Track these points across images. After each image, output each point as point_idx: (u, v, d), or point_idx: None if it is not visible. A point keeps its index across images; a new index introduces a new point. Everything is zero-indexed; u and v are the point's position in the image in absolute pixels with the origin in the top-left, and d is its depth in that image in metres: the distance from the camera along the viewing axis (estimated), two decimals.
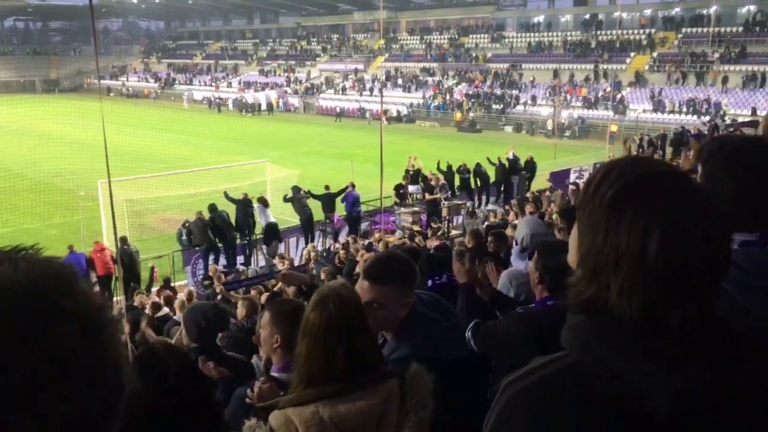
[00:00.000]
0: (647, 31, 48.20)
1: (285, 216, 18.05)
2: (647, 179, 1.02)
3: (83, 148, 24.33)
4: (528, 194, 17.90)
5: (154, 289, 13.11)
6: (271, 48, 75.05)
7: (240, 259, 16.55)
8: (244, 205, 16.40)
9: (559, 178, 22.17)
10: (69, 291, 0.72)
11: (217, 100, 60.06)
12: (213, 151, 31.92)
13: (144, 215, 20.08)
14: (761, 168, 1.65)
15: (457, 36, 60.15)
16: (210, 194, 17.87)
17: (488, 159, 21.60)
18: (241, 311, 6.36)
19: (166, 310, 9.71)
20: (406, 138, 38.83)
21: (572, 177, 22.37)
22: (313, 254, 13.50)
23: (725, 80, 39.37)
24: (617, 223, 0.99)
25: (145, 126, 35.90)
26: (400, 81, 56.20)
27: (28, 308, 0.68)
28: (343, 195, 17.81)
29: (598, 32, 50.58)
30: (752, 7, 44.25)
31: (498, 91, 49.07)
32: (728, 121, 29.35)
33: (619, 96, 42.32)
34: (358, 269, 9.35)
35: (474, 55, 55.81)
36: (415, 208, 18.03)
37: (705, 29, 44.23)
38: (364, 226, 18.13)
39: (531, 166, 22.74)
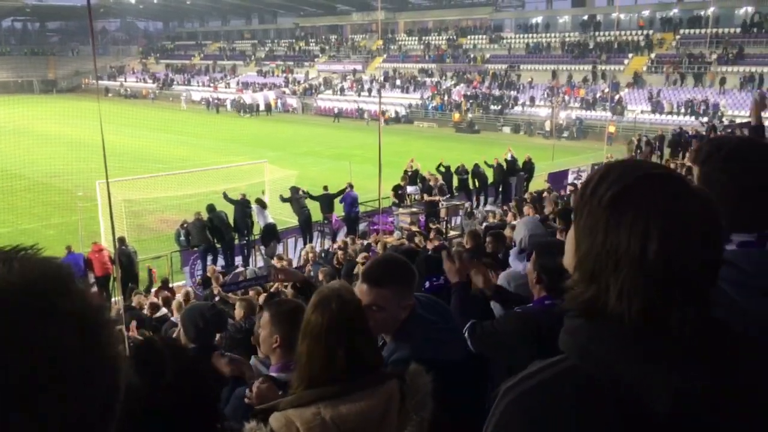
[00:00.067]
0: (645, 32, 48.29)
1: (283, 217, 18.05)
2: (646, 181, 1.02)
3: (81, 148, 24.33)
4: (526, 195, 17.91)
5: (152, 290, 13.10)
6: (270, 48, 75.04)
7: (238, 259, 16.54)
8: (242, 206, 16.39)
9: (557, 178, 22.20)
10: (66, 291, 0.72)
11: (216, 101, 60.03)
12: (211, 152, 31.90)
13: (142, 216, 20.05)
14: (759, 169, 1.65)
15: (455, 37, 60.18)
16: (208, 195, 17.86)
17: (485, 162, 21.63)
18: (239, 312, 6.35)
19: (164, 310, 9.71)
20: (405, 139, 38.86)
21: (570, 178, 22.40)
22: (311, 255, 13.49)
23: (723, 81, 39.43)
24: (617, 225, 0.99)
25: (143, 126, 35.88)
26: (398, 82, 56.23)
27: (25, 309, 0.68)
28: (341, 196, 17.82)
29: (596, 33, 50.65)
30: (750, 9, 44.34)
31: (496, 92, 49.10)
32: (726, 122, 29.43)
33: (617, 97, 42.39)
34: (356, 270, 9.36)
35: (472, 55, 55.87)
36: (414, 209, 18.03)
37: (703, 30, 44.31)
38: (362, 226, 18.13)
39: (529, 167, 22.76)
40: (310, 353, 1.90)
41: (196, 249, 15.55)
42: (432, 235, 12.01)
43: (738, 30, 43.20)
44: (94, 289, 13.84)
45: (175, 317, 8.24)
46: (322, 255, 14.29)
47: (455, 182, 21.24)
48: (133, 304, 10.65)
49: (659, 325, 0.97)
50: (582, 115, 42.34)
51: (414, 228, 14.98)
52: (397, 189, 19.87)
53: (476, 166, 21.43)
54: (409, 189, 20.37)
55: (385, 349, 2.36)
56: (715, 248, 1.00)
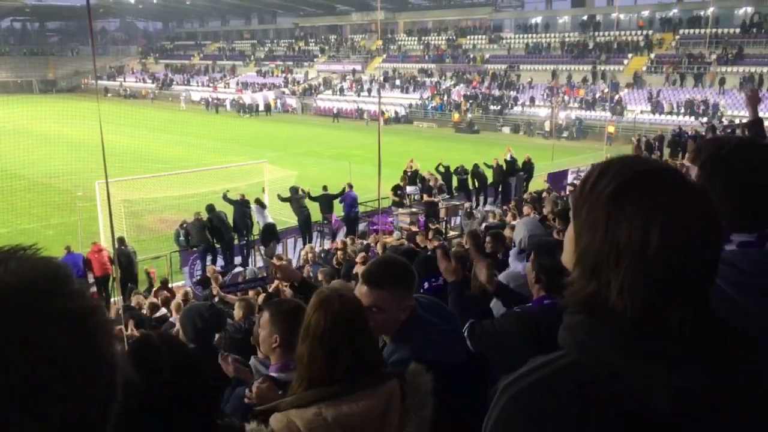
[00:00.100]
0: (645, 32, 48.31)
1: (283, 217, 18.05)
2: (645, 176, 1.02)
3: (80, 148, 24.34)
4: (526, 195, 17.92)
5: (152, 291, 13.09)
6: (269, 49, 75.05)
7: (238, 259, 16.54)
8: (241, 206, 16.40)
9: (556, 179, 22.19)
10: (64, 291, 0.72)
11: (215, 101, 60.04)
12: (211, 152, 31.90)
13: (142, 216, 20.05)
14: (759, 169, 1.66)
15: (454, 37, 60.20)
16: (208, 195, 17.86)
17: (485, 163, 21.64)
18: (238, 312, 6.35)
19: (163, 310, 9.70)
20: (404, 139, 38.87)
21: (570, 178, 22.39)
22: (310, 255, 13.50)
23: (722, 81, 39.43)
24: (617, 220, 0.99)
25: (142, 126, 35.86)
26: (397, 82, 56.24)
27: (25, 309, 0.68)
28: (341, 196, 17.82)
29: (596, 33, 50.67)
30: (749, 9, 44.35)
31: (496, 92, 49.12)
32: (725, 122, 29.43)
33: (616, 97, 42.41)
34: (355, 270, 9.36)
35: (472, 56, 55.88)
36: (413, 209, 18.03)
37: (702, 30, 44.34)
38: (361, 227, 18.13)
39: (529, 167, 22.77)
40: (312, 353, 1.90)
41: (195, 249, 15.55)
42: (431, 235, 12.01)
43: (737, 30, 43.23)
44: (93, 289, 13.86)
45: (174, 318, 8.24)
46: (322, 255, 14.29)
47: (454, 182, 21.25)
48: (132, 304, 10.65)
49: (659, 323, 0.97)
50: (581, 115, 42.35)
51: (413, 228, 14.98)
52: (396, 189, 19.87)
53: (476, 166, 21.44)
54: (409, 189, 20.38)
55: (384, 351, 2.36)
56: (714, 245, 1.00)
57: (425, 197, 19.10)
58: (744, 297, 1.50)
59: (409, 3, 71.14)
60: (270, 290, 8.34)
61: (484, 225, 13.36)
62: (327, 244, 16.95)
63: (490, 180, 21.73)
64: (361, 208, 18.37)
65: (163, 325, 8.63)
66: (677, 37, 45.89)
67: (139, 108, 49.45)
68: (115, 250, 11.03)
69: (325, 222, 18.01)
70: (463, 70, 54.36)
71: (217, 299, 9.75)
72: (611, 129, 34.73)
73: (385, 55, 62.79)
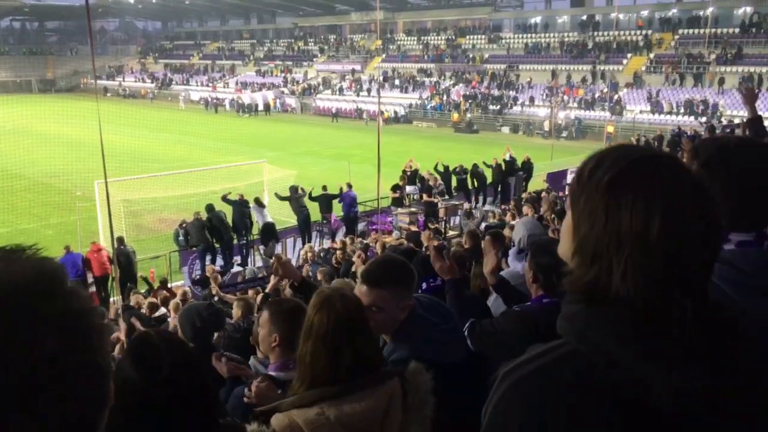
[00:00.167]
0: (644, 32, 48.31)
1: (282, 216, 18.05)
2: (642, 163, 1.03)
3: (80, 148, 24.30)
4: (525, 195, 17.92)
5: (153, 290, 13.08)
6: (268, 48, 75.02)
7: (237, 259, 16.54)
8: (240, 206, 16.39)
9: (556, 178, 22.18)
10: (63, 292, 0.72)
11: (214, 101, 60.01)
12: (210, 152, 31.88)
13: (141, 215, 20.04)
14: (759, 169, 1.66)
15: (454, 37, 60.19)
16: (207, 194, 17.85)
17: (484, 163, 21.63)
18: (236, 312, 6.34)
19: (163, 310, 9.68)
20: (403, 138, 38.87)
21: (569, 178, 22.36)
22: (309, 255, 13.49)
23: (722, 81, 39.44)
24: (617, 207, 1.00)
25: (141, 126, 35.84)
26: (397, 82, 56.24)
27: (24, 309, 0.68)
28: (340, 196, 17.82)
29: (595, 33, 50.67)
30: (749, 9, 44.37)
31: (495, 92, 49.12)
32: (725, 122, 29.45)
33: (616, 97, 42.41)
34: (353, 269, 9.36)
35: (471, 55, 55.88)
36: (412, 209, 18.03)
37: (702, 30, 44.34)
38: (361, 226, 18.14)
39: (528, 167, 22.78)
40: (315, 353, 1.90)
41: (194, 249, 15.54)
42: (431, 235, 11.99)
43: (737, 30, 43.23)
44: (93, 288, 13.86)
45: (173, 317, 8.22)
46: (321, 255, 14.29)
47: (454, 182, 21.24)
48: (132, 304, 10.63)
49: (660, 319, 0.97)
50: (581, 115, 42.36)
51: (413, 228, 14.98)
52: (395, 189, 19.87)
53: (475, 165, 21.43)
54: (408, 189, 20.37)
55: (384, 350, 2.36)
56: (713, 230, 1.01)
57: (424, 197, 19.10)
58: (743, 297, 1.50)
59: (408, 3, 71.13)
60: (267, 290, 8.33)
61: (483, 225, 13.37)
62: (326, 244, 16.95)
63: (489, 180, 21.73)
64: (360, 208, 18.37)
65: (162, 325, 8.62)
66: (676, 37, 45.91)
67: (139, 108, 49.40)
68: (115, 250, 11.03)
69: (325, 222, 18.01)
70: (463, 69, 54.36)
71: (216, 299, 9.76)
72: (610, 129, 34.77)
73: (384, 55, 62.79)
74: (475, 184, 21.55)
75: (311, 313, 1.96)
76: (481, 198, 21.67)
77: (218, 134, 39.45)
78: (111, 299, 13.42)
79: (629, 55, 46.73)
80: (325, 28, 74.43)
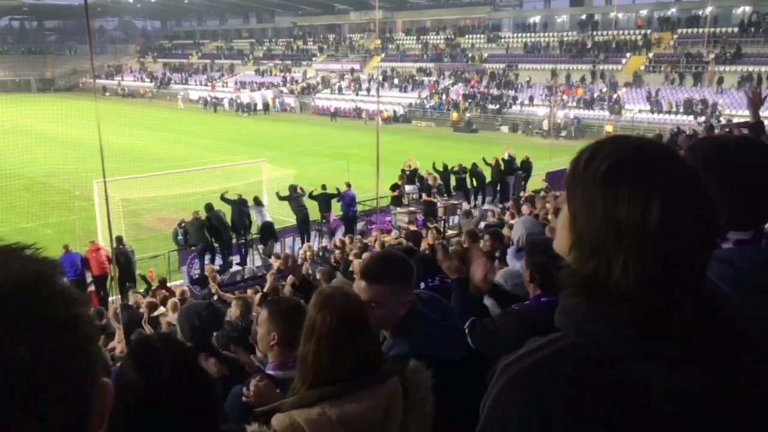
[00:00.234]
0: (643, 31, 48.32)
1: (281, 216, 18.05)
2: (638, 153, 1.03)
3: (79, 147, 24.28)
4: (523, 194, 17.92)
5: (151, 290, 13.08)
6: (267, 48, 74.98)
7: (236, 258, 16.53)
8: (239, 205, 16.38)
9: (554, 178, 22.15)
10: (62, 292, 0.72)
11: (213, 100, 59.99)
12: (209, 151, 31.87)
13: (140, 215, 20.04)
14: (757, 167, 1.66)
15: (453, 36, 60.19)
16: (206, 194, 17.83)
17: (484, 160, 21.62)
18: (235, 311, 6.34)
19: (162, 309, 9.67)
20: (403, 138, 38.85)
21: None
22: (309, 254, 13.50)
23: (721, 81, 39.47)
24: (615, 198, 0.99)
25: (140, 125, 35.86)
26: (396, 81, 56.22)
27: (24, 309, 0.68)
28: (339, 195, 17.82)
29: (594, 33, 50.67)
30: (747, 8, 44.41)
31: (494, 91, 49.12)
32: (724, 122, 29.46)
33: (615, 96, 42.43)
34: (351, 268, 9.37)
35: (470, 55, 55.86)
36: (411, 208, 18.02)
37: (701, 30, 44.36)
38: (360, 226, 18.13)
39: (527, 166, 22.78)
40: (317, 353, 1.89)
41: (193, 248, 15.54)
42: (430, 235, 12.00)
43: (736, 29, 43.25)
44: (91, 288, 13.85)
45: (171, 317, 8.22)
46: (320, 254, 14.30)
47: (453, 181, 21.23)
48: (130, 303, 10.63)
49: (660, 317, 0.97)
50: (580, 114, 42.37)
51: (412, 227, 14.97)
52: (395, 188, 19.86)
53: (474, 165, 21.42)
54: (407, 188, 20.35)
55: (384, 345, 2.36)
56: (711, 220, 1.01)
57: (424, 196, 19.09)
58: (741, 295, 1.50)
59: (407, 2, 71.14)
60: (266, 289, 8.33)
61: (482, 224, 13.38)
62: (325, 243, 16.96)
63: (488, 179, 21.73)
64: (359, 207, 18.37)
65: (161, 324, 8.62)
66: (675, 36, 45.94)
67: (137, 107, 49.45)
68: (114, 249, 11.00)
69: (324, 221, 18.02)
70: (462, 69, 54.37)
71: (215, 298, 9.76)
72: (609, 128, 34.77)
73: (383, 54, 62.77)
74: (474, 183, 21.55)
75: (313, 313, 1.95)
76: (480, 197, 21.68)
77: (217, 133, 39.45)
78: (110, 298, 13.41)
79: (628, 55, 46.74)
80: (324, 27, 74.42)
